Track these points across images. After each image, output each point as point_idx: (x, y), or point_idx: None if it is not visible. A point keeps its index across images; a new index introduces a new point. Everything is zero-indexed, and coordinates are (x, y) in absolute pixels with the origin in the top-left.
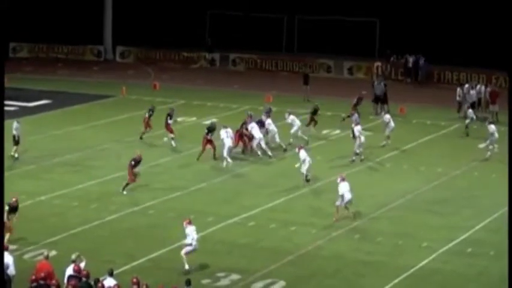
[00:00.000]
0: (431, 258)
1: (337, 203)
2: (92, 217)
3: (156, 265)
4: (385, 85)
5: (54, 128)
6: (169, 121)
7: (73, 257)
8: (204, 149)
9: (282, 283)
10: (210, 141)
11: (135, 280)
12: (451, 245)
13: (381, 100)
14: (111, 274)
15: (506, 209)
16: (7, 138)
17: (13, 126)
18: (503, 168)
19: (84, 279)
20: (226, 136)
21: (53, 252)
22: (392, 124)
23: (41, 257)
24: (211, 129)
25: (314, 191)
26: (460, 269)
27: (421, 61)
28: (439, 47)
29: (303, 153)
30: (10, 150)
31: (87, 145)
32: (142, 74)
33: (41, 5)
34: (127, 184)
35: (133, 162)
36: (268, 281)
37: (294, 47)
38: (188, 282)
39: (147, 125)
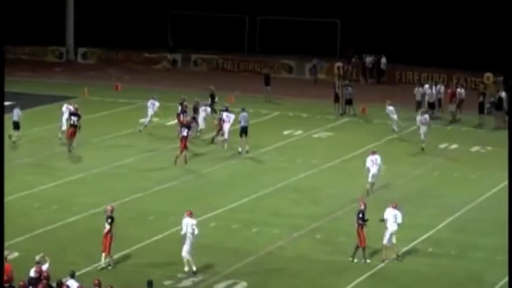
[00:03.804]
0: (393, 257)
1: (385, 241)
2: (53, 218)
3: (118, 266)
4: (351, 87)
5: None
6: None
7: (37, 258)
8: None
9: (244, 284)
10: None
11: (96, 282)
12: (413, 244)
13: (349, 102)
14: (72, 276)
15: (468, 207)
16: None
17: (15, 113)
18: (464, 168)
19: (44, 281)
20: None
21: (15, 254)
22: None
23: None
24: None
25: (277, 191)
26: (422, 268)
27: (383, 61)
28: (401, 47)
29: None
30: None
31: (50, 147)
32: (104, 75)
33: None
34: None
35: (109, 220)
36: (230, 281)
37: (256, 48)
38: (150, 284)
39: (181, 121)
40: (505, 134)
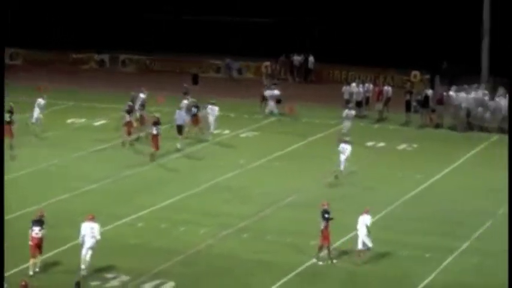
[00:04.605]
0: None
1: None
2: None
3: (46, 267)
4: (276, 84)
5: None
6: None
7: None
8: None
9: (172, 283)
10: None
11: (23, 283)
12: (339, 242)
13: (278, 101)
14: None
15: (394, 205)
16: None
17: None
18: (391, 166)
19: None
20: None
21: None
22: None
23: None
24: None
25: (206, 190)
26: (349, 266)
27: (310, 60)
28: (328, 46)
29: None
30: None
31: None
32: (32, 76)
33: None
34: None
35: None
36: (158, 281)
37: (184, 48)
38: (78, 285)
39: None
40: (431, 131)
